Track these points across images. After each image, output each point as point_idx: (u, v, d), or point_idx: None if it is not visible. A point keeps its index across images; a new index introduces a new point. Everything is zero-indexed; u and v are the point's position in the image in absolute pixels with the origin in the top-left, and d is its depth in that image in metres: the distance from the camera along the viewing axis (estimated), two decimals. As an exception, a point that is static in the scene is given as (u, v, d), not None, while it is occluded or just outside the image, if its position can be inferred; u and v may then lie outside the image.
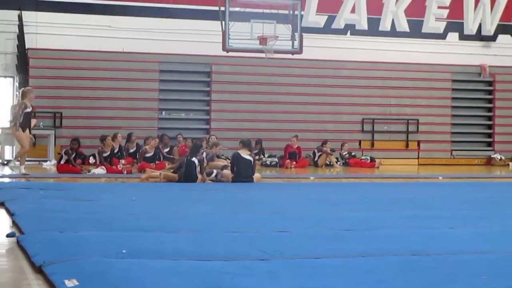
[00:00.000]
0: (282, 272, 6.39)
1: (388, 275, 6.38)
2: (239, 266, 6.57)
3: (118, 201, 12.19)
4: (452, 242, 8.34)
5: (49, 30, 24.04)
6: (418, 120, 26.98)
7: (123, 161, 20.78)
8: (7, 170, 20.18)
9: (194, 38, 24.75)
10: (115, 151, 20.95)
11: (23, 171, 18.03)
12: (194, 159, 16.45)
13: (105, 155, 19.86)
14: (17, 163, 18.86)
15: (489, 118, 28.13)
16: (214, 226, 9.23)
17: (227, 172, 16.96)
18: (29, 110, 18.09)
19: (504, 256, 7.44)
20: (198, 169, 16.44)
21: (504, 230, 9.26)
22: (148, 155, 20.87)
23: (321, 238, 8.44)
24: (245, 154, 16.64)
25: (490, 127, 28.11)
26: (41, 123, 22.65)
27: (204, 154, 17.36)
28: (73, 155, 19.53)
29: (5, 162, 22.36)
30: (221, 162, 21.07)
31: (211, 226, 9.22)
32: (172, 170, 17.93)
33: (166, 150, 22.63)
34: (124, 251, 7.13)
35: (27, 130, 18.09)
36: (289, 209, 11.47)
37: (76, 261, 6.50)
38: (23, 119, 17.91)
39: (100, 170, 18.79)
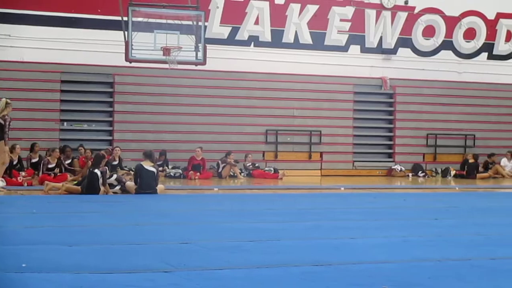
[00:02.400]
0: (186, 284, 6.37)
1: (291, 285, 6.43)
2: (142, 279, 6.52)
3: (18, 214, 11.95)
4: (353, 252, 8.46)
5: None
6: (321, 131, 27.27)
7: (23, 173, 20.43)
8: None
9: (96, 48, 24.46)
10: (14, 163, 20.58)
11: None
12: (96, 170, 16.26)
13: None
14: None
15: (390, 130, 28.66)
16: (117, 239, 9.14)
17: (130, 183, 16.80)
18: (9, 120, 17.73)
19: (402, 265, 7.59)
20: (100, 180, 16.24)
21: (402, 240, 9.44)
22: (50, 166, 20.64)
23: (224, 249, 8.45)
24: (148, 166, 16.54)
25: (390, 138, 28.64)
26: None
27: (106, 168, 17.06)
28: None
29: None
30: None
31: (113, 239, 9.13)
32: (75, 182, 17.71)
33: (68, 162, 22.31)
34: (24, 265, 6.99)
35: None
36: (192, 221, 11.45)
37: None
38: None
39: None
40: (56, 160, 20.87)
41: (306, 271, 7.08)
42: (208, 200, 16.12)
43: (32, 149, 22.11)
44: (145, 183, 16.42)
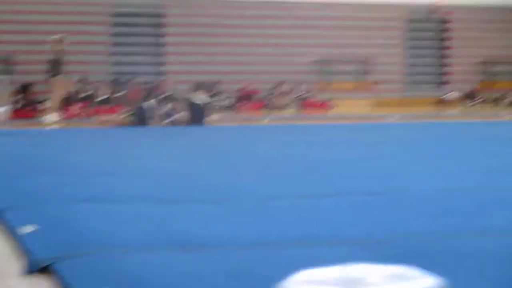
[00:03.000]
0: (235, 215, 6.49)
1: (342, 215, 6.50)
2: (194, 209, 6.66)
3: (77, 147, 12.20)
4: (401, 182, 8.51)
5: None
6: (371, 60, 27.07)
7: (79, 104, 20.74)
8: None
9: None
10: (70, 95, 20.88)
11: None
12: (146, 103, 16.44)
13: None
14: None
15: (443, 57, 28.28)
16: (170, 171, 9.28)
17: (182, 115, 16.96)
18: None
19: (449, 193, 7.60)
20: (151, 113, 16.43)
21: (454, 169, 9.43)
22: (101, 98, 20.90)
23: (275, 179, 8.55)
24: (199, 98, 16.64)
25: (443, 66, 28.29)
26: None
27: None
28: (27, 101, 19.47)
29: None
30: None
31: (165, 171, 9.27)
32: (128, 114, 17.97)
33: (120, 94, 22.51)
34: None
35: None
36: (242, 153, 11.55)
37: (35, 207, 6.54)
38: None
39: (55, 117, 18.52)
40: (107, 91, 21.14)
41: (358, 200, 7.15)
42: (258, 132, 16.16)
43: (82, 82, 22.34)
44: (196, 115, 16.57)
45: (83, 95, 21.91)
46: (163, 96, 21.52)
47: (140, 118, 16.36)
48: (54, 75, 17.97)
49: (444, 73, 28.23)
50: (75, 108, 20.38)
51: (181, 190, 7.79)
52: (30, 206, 6.60)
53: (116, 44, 24.85)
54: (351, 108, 25.15)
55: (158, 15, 25.35)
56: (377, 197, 7.37)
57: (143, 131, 15.38)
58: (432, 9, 27.77)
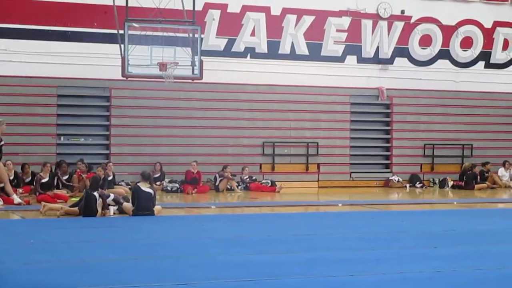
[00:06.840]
0: None
1: None
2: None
3: (15, 245, 11.88)
4: None
5: None
6: (318, 143, 27.20)
7: (20, 190, 20.36)
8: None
9: (92, 62, 24.43)
10: (11, 178, 20.48)
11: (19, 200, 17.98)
12: (94, 192, 16.20)
13: (0, 185, 19.27)
14: None
15: (387, 140, 28.60)
16: (115, 278, 9.07)
17: (128, 205, 16.73)
18: (2, 143, 17.80)
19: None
20: (98, 202, 16.17)
21: (402, 278, 9.37)
22: (44, 180, 20.60)
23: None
24: (145, 187, 16.45)
25: (388, 149, 28.57)
26: None
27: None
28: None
29: None
30: (121, 190, 20.91)
31: (111, 278, 9.06)
32: (73, 199, 17.71)
33: (66, 177, 22.24)
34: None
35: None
36: (190, 253, 11.38)
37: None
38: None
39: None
40: (48, 173, 20.86)
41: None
42: (204, 223, 15.94)
43: (22, 169, 21.98)
44: (143, 205, 16.35)
45: (24, 182, 21.49)
46: (107, 179, 21.30)
47: (86, 208, 16.05)
48: None
49: (389, 156, 28.45)
50: (19, 192, 19.97)
51: None
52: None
53: (62, 126, 24.62)
54: (297, 190, 25.23)
55: (103, 97, 25.22)
56: None
57: (89, 223, 15.12)
58: (376, 93, 28.14)
